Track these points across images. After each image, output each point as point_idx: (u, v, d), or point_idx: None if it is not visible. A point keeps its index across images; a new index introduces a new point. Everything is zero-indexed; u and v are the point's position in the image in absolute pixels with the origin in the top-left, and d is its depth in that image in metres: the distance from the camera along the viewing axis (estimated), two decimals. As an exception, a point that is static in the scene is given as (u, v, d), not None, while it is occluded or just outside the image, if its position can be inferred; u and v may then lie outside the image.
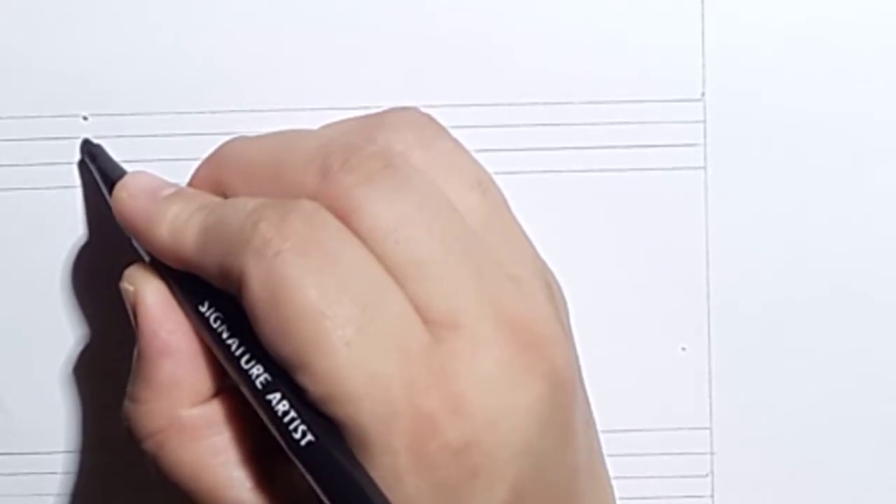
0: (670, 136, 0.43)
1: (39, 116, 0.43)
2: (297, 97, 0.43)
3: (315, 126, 0.40)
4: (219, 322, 0.36)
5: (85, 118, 0.43)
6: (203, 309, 0.36)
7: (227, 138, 0.42)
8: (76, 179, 0.43)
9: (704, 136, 0.43)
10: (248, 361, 0.35)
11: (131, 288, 0.38)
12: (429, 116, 0.38)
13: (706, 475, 0.44)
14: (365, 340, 0.33)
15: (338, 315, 0.33)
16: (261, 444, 0.37)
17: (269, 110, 0.43)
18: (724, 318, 0.44)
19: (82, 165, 0.43)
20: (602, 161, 0.43)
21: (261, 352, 0.34)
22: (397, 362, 0.33)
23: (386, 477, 0.33)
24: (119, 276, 0.39)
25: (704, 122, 0.43)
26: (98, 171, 0.41)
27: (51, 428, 0.44)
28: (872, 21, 0.43)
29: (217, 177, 0.38)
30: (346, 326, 0.33)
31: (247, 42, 0.43)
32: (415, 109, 0.38)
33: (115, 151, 0.43)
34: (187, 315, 0.37)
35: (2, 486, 0.44)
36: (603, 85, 0.43)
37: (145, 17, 0.43)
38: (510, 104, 0.43)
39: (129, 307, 0.38)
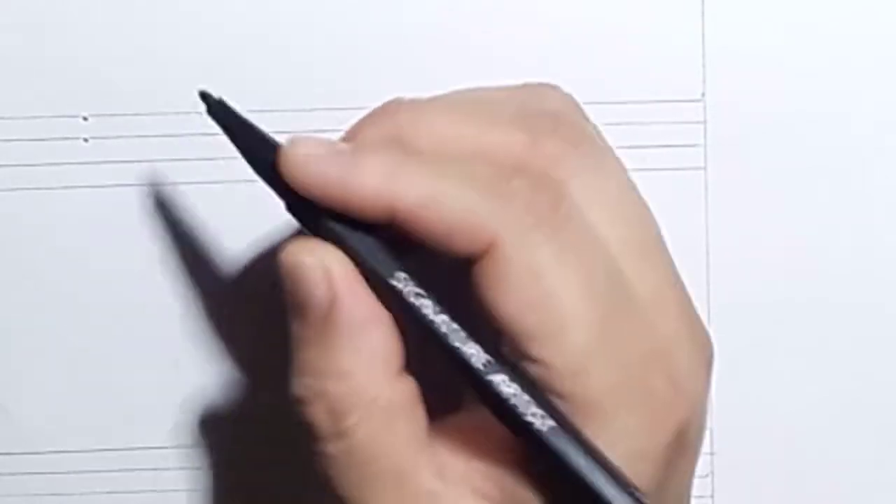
0: (670, 137, 0.43)
1: (39, 117, 0.43)
2: (297, 97, 0.43)
3: (319, 125, 0.40)
4: (421, 297, 0.35)
5: (85, 118, 0.43)
6: (399, 282, 0.35)
7: (225, 139, 0.42)
8: (76, 180, 0.43)
9: (704, 136, 0.43)
10: (463, 339, 0.34)
11: (318, 261, 0.35)
12: (570, 94, 0.38)
13: (706, 475, 0.44)
14: (610, 323, 0.34)
15: (593, 295, 0.34)
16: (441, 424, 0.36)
17: (270, 110, 0.43)
18: (724, 318, 0.44)
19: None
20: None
21: (471, 327, 0.34)
22: (633, 344, 0.34)
23: (622, 450, 0.34)
24: (118, 280, 0.39)
25: (704, 122, 0.43)
26: (230, 132, 0.38)
27: (50, 428, 0.44)
28: (872, 21, 0.43)
29: (394, 136, 0.36)
30: (598, 307, 0.34)
31: (247, 43, 0.43)
32: (556, 86, 0.38)
33: (115, 152, 0.43)
34: (374, 288, 0.35)
35: (1, 486, 0.44)
36: (603, 85, 0.43)
37: (145, 17, 0.43)
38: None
39: (310, 280, 0.35)
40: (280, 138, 0.42)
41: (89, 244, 0.43)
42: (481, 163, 0.35)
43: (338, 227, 0.35)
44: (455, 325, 0.34)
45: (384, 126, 0.36)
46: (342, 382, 0.35)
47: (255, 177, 0.43)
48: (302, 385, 0.35)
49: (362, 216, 0.35)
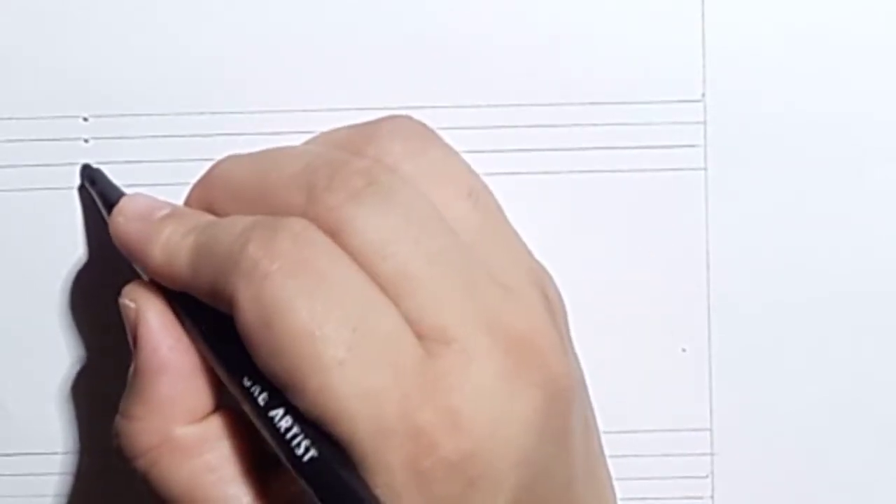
0: (670, 138, 0.43)
1: (39, 117, 0.43)
2: (297, 98, 0.43)
3: (318, 126, 0.40)
4: (217, 341, 0.36)
5: (85, 119, 0.43)
6: (202, 328, 0.37)
7: (227, 139, 0.42)
8: (76, 180, 0.43)
9: (705, 137, 0.43)
10: (248, 379, 0.35)
11: (132, 305, 0.38)
12: (421, 124, 0.38)
13: (706, 476, 0.44)
14: (357, 359, 0.33)
15: (329, 335, 0.33)
16: (256, 461, 0.37)
17: (270, 111, 0.43)
18: (724, 318, 0.44)
19: (82, 190, 0.43)
20: (602, 162, 0.43)
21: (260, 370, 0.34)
22: (390, 379, 0.33)
23: (384, 494, 0.33)
24: (118, 281, 0.39)
25: (705, 123, 0.43)
26: (98, 196, 0.42)
27: (50, 429, 0.44)
28: (872, 22, 0.43)
29: (208, 197, 0.38)
30: (338, 346, 0.33)
31: (247, 43, 0.43)
32: (406, 117, 0.38)
33: (115, 152, 0.43)
34: (187, 332, 0.37)
35: (1, 487, 0.44)
36: (603, 86, 0.43)
37: (145, 17, 0.42)
38: (510, 105, 0.43)
39: (127, 324, 0.38)
40: (280, 139, 0.42)
41: (89, 245, 0.43)
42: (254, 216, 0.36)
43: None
44: (244, 366, 0.35)
45: (202, 189, 0.39)
46: (132, 424, 0.37)
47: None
48: (115, 420, 0.38)
49: (160, 282, 0.37)
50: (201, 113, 0.43)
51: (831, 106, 0.43)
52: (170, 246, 0.37)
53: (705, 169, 0.43)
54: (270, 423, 0.34)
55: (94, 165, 0.42)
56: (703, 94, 0.43)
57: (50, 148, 0.43)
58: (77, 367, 0.44)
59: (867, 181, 0.43)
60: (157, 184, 0.43)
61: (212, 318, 0.36)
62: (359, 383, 0.33)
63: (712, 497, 0.45)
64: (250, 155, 0.38)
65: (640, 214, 0.43)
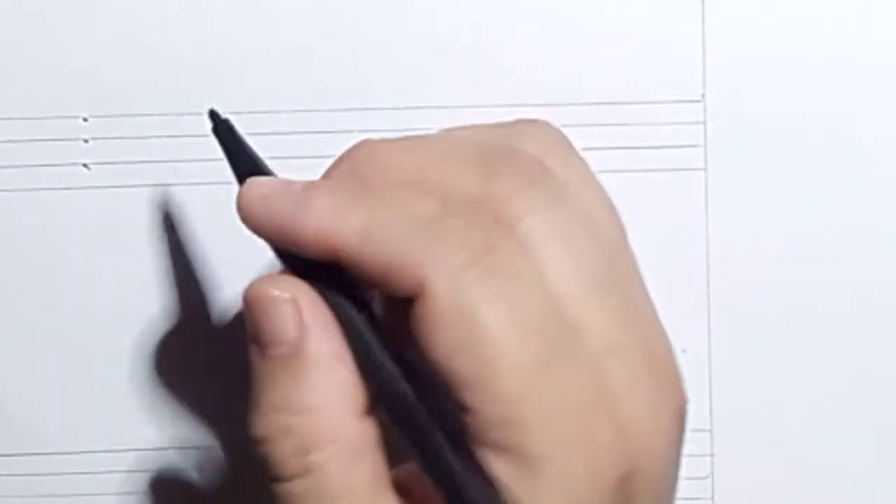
0: (671, 138, 0.43)
1: (39, 118, 0.43)
2: (298, 98, 0.43)
3: (321, 126, 0.40)
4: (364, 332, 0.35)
5: (85, 119, 0.43)
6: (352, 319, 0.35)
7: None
8: (76, 181, 0.43)
9: (705, 137, 0.43)
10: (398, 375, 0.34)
11: (287, 295, 0.35)
12: (559, 130, 0.37)
13: (706, 477, 0.44)
14: (548, 368, 0.33)
15: (522, 336, 0.33)
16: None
17: (271, 111, 0.43)
18: (724, 320, 0.44)
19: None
20: (602, 162, 0.43)
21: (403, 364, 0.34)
22: (575, 390, 0.33)
23: (558, 501, 0.33)
24: (118, 280, 0.38)
25: (705, 123, 0.43)
26: (228, 153, 0.39)
27: (50, 429, 0.44)
28: (872, 22, 0.43)
29: (352, 172, 0.36)
30: (538, 354, 0.33)
31: (248, 43, 0.43)
32: (547, 122, 0.38)
33: (116, 153, 0.43)
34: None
35: (1, 487, 0.44)
36: (603, 86, 0.43)
37: (145, 18, 0.43)
38: (510, 105, 0.43)
39: (278, 314, 0.35)
40: (279, 139, 0.42)
41: (89, 245, 0.43)
42: (429, 198, 0.34)
43: (304, 265, 0.35)
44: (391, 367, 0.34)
45: (345, 163, 0.36)
46: (309, 418, 0.34)
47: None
48: (265, 422, 0.35)
49: (312, 255, 0.34)
50: (201, 113, 0.42)
51: (831, 106, 0.43)
52: (332, 215, 0.34)
53: (705, 169, 0.43)
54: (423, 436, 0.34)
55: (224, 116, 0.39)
56: (703, 95, 0.43)
57: (50, 148, 0.43)
58: (77, 368, 0.44)
59: (867, 181, 0.43)
60: (157, 184, 0.43)
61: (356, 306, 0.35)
62: (555, 394, 0.33)
63: (712, 498, 0.45)
64: (398, 140, 0.36)
65: (640, 214, 0.43)
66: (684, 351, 0.43)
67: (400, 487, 0.35)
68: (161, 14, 0.43)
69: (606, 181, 0.43)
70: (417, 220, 0.33)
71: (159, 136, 0.43)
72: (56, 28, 0.42)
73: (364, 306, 0.35)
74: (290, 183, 0.36)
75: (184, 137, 0.43)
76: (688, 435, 0.43)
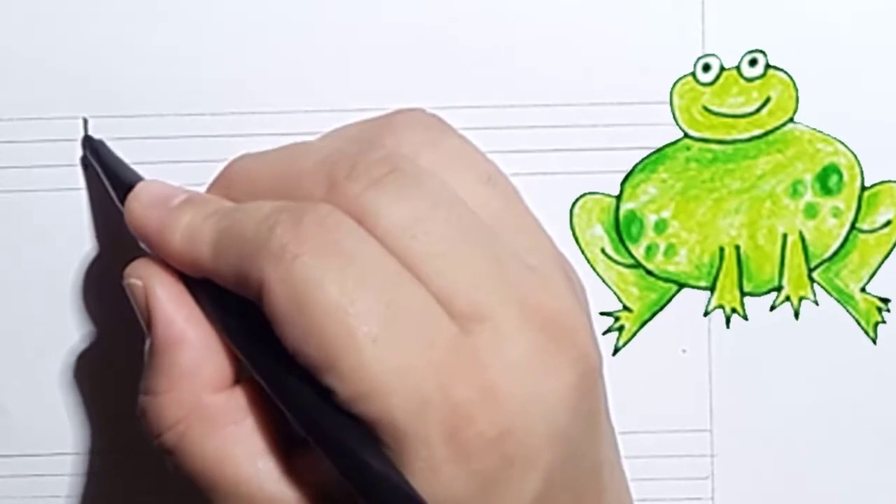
0: (671, 138, 0.43)
1: (40, 118, 0.43)
2: (299, 99, 0.43)
3: (320, 127, 0.40)
4: (239, 331, 0.36)
5: (85, 120, 0.43)
6: (222, 317, 0.36)
7: (227, 140, 0.42)
8: (76, 181, 0.43)
9: (704, 138, 0.43)
10: (271, 366, 0.35)
11: (139, 282, 0.37)
12: (434, 116, 0.38)
13: (706, 477, 0.44)
14: (391, 335, 0.33)
15: (361, 311, 0.33)
16: (280, 438, 0.37)
17: (271, 112, 0.43)
18: (723, 319, 0.44)
19: (84, 160, 0.42)
20: (602, 163, 0.43)
21: (284, 354, 0.34)
22: (425, 354, 0.33)
23: (423, 469, 0.33)
24: (119, 279, 0.38)
25: (704, 124, 0.43)
26: (103, 170, 0.41)
27: (50, 430, 0.44)
28: (872, 23, 0.43)
29: (227, 194, 0.38)
30: (371, 322, 0.33)
31: (248, 43, 0.43)
32: (420, 110, 0.38)
33: (116, 153, 0.43)
34: (207, 316, 0.37)
35: (1, 488, 0.44)
36: (603, 87, 0.43)
37: (146, 18, 0.42)
38: (510, 106, 0.43)
39: (137, 302, 0.37)
40: (280, 139, 0.42)
41: (89, 245, 0.43)
42: (273, 204, 0.36)
43: None
44: (267, 353, 0.35)
45: (219, 188, 0.38)
46: (157, 399, 0.36)
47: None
48: (138, 402, 0.37)
49: (179, 268, 0.37)
50: (201, 114, 0.43)
51: (831, 107, 0.43)
52: (190, 231, 0.36)
53: (705, 169, 0.43)
54: (301, 413, 0.34)
55: (96, 137, 0.42)
56: (703, 95, 0.43)
57: (50, 149, 0.43)
58: (77, 368, 0.44)
59: (867, 182, 0.43)
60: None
61: (234, 307, 0.36)
62: (394, 359, 0.33)
63: (712, 498, 0.45)
64: (266, 152, 0.38)
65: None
66: (684, 351, 0.44)
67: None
68: (161, 15, 0.43)
69: (607, 182, 0.43)
70: (256, 225, 0.35)
71: (159, 137, 0.43)
72: (56, 28, 0.42)
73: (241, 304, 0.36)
74: (173, 194, 0.38)
75: (184, 138, 0.43)
76: (687, 435, 0.44)
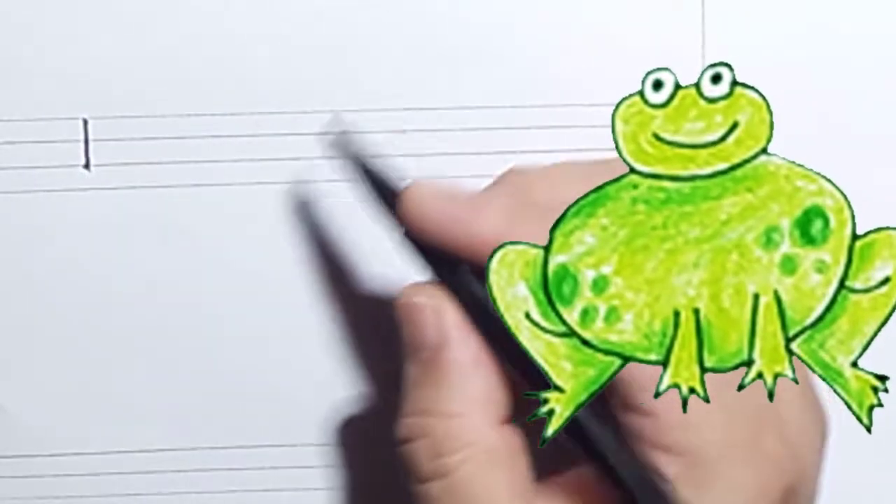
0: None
1: (39, 119, 0.43)
2: (297, 99, 0.43)
3: (316, 128, 0.41)
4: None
5: (85, 121, 0.43)
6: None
7: (227, 140, 0.42)
8: (77, 182, 0.43)
9: (705, 138, 0.43)
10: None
11: (430, 301, 0.36)
12: None
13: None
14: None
15: None
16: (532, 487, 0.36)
17: (272, 112, 0.43)
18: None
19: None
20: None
21: None
22: (745, 401, 0.33)
23: None
24: (118, 280, 0.39)
25: (705, 124, 0.43)
26: (367, 178, 0.39)
27: (50, 430, 0.44)
28: (873, 23, 0.42)
29: (513, 188, 0.37)
30: None
31: (248, 44, 0.43)
32: None
33: (116, 154, 0.43)
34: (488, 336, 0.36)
35: (1, 489, 0.45)
36: (603, 87, 0.42)
37: (146, 19, 0.43)
38: (510, 106, 0.43)
39: (422, 321, 0.36)
40: (280, 139, 0.42)
41: (89, 246, 0.43)
42: None
43: (456, 270, 0.36)
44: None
45: (503, 181, 0.37)
46: (446, 422, 0.36)
47: (253, 179, 0.43)
48: (408, 423, 0.36)
49: (480, 258, 0.34)
50: (201, 115, 0.43)
51: (831, 107, 0.43)
52: (507, 224, 0.35)
53: (705, 170, 0.43)
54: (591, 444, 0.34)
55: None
56: (704, 96, 0.42)
57: (50, 150, 0.43)
58: (78, 368, 0.44)
59: (867, 182, 0.43)
60: (157, 185, 0.43)
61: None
62: (729, 401, 0.34)
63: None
64: (547, 166, 0.38)
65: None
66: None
67: (567, 490, 0.36)
68: (161, 15, 0.43)
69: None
70: None
71: (159, 138, 0.43)
72: (56, 29, 0.43)
73: None
74: (453, 188, 0.37)
75: (184, 139, 0.43)
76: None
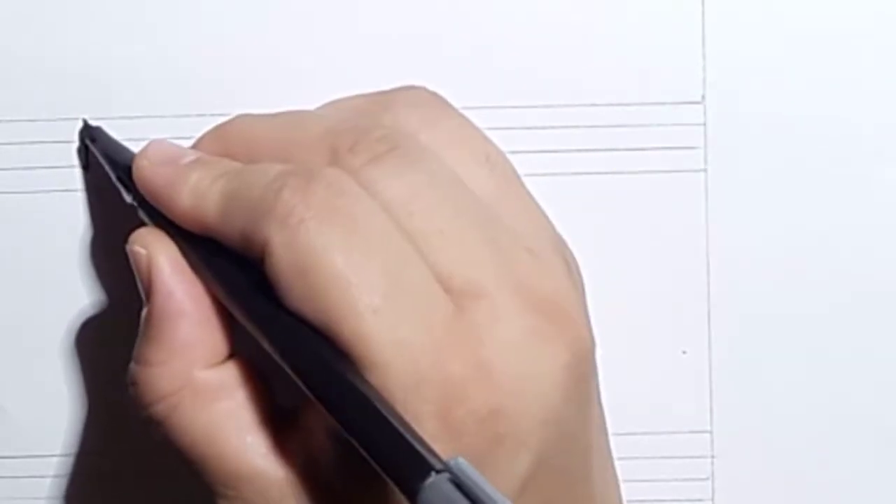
0: (671, 139, 0.43)
1: (39, 120, 0.43)
2: (299, 99, 0.43)
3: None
4: (238, 288, 0.36)
5: (85, 121, 0.43)
6: (222, 275, 0.36)
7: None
8: (77, 183, 0.43)
9: (705, 138, 0.43)
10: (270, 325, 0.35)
11: (143, 251, 0.37)
12: (436, 94, 0.39)
13: (706, 478, 0.44)
14: (392, 307, 0.33)
15: (364, 282, 0.33)
16: (271, 413, 0.37)
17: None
18: (724, 321, 0.44)
19: (81, 152, 0.43)
20: (602, 164, 0.43)
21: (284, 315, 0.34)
22: (423, 329, 0.33)
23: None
24: (118, 280, 0.39)
25: (705, 124, 0.43)
26: (102, 154, 0.41)
27: (50, 430, 0.44)
28: (873, 23, 0.43)
29: (223, 150, 0.38)
30: (373, 293, 0.33)
31: (248, 44, 0.43)
32: (422, 88, 0.39)
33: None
34: (202, 278, 0.37)
35: (1, 489, 0.44)
36: (603, 87, 0.43)
37: (146, 19, 0.43)
38: (510, 106, 0.43)
39: (139, 270, 0.37)
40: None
41: (89, 246, 0.43)
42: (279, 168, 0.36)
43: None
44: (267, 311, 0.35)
45: (216, 140, 0.39)
46: (147, 370, 0.37)
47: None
48: (128, 371, 0.37)
49: (186, 227, 0.37)
50: (201, 115, 0.43)
51: (831, 107, 0.43)
52: (199, 190, 0.37)
53: (705, 170, 0.43)
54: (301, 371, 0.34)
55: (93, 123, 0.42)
56: (703, 96, 0.43)
57: (50, 150, 0.43)
58: (77, 369, 0.44)
59: (868, 182, 0.43)
60: (157, 185, 0.43)
61: (234, 266, 0.36)
62: (393, 332, 0.33)
63: (713, 499, 0.45)
64: (268, 115, 0.39)
65: (641, 216, 0.43)
66: (685, 352, 0.44)
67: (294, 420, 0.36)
68: (161, 15, 0.43)
69: (607, 182, 0.43)
70: (264, 187, 0.35)
71: (159, 137, 0.43)
72: (56, 29, 0.42)
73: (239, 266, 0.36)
74: (182, 154, 0.38)
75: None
76: (687, 436, 0.44)
